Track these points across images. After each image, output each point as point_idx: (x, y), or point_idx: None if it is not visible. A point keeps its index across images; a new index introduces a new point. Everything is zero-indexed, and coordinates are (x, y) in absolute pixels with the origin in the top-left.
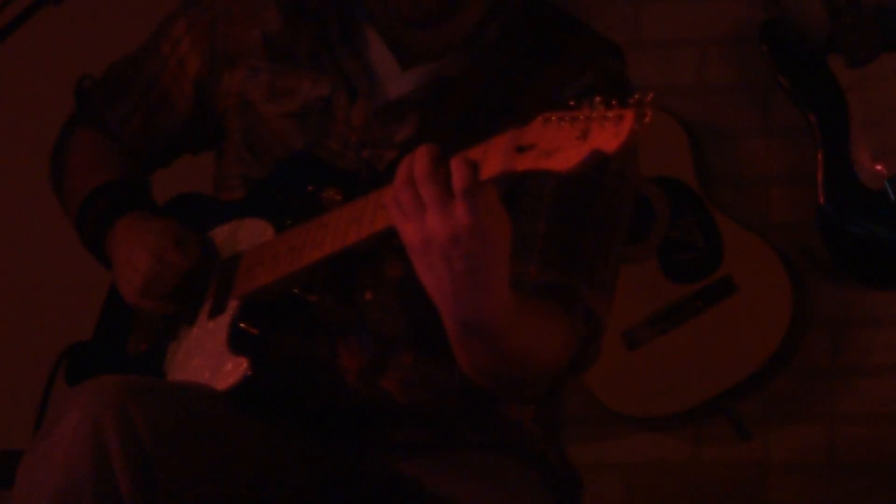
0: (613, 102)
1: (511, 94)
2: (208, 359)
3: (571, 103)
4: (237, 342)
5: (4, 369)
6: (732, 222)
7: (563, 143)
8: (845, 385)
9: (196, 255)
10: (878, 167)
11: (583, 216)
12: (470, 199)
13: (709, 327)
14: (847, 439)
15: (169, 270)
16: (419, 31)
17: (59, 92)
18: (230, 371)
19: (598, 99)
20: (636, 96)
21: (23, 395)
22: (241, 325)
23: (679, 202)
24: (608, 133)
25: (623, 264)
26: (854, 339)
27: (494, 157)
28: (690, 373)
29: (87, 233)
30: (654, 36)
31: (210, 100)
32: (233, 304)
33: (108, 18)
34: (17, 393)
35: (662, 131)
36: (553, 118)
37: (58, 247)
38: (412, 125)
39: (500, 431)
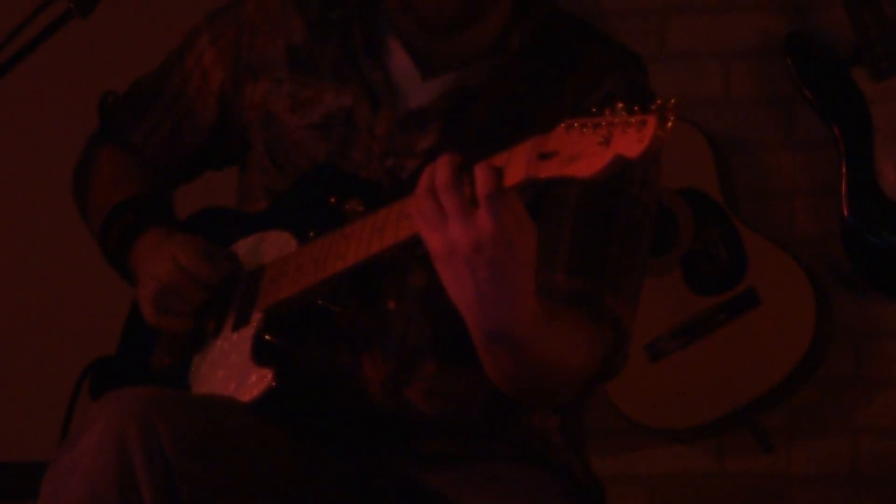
0: (636, 108)
1: (533, 104)
2: (233, 371)
3: (594, 110)
4: (261, 354)
5: (31, 381)
6: (756, 234)
7: (585, 150)
8: (868, 397)
9: (225, 269)
10: None
11: (607, 224)
12: (493, 205)
13: (732, 340)
14: (870, 451)
15: (197, 285)
16: (442, 39)
17: (83, 106)
18: (255, 382)
19: (620, 105)
20: (658, 102)
21: (48, 408)
22: (266, 336)
23: (703, 214)
24: (631, 139)
25: (646, 276)
26: (877, 351)
27: (517, 164)
28: (713, 385)
29: (110, 248)
30: (679, 48)
31: (234, 113)
32: (257, 316)
33: (135, 33)
34: (42, 405)
35: (687, 143)
36: (575, 125)
37: (82, 261)
38: (434, 134)
39: (525, 442)
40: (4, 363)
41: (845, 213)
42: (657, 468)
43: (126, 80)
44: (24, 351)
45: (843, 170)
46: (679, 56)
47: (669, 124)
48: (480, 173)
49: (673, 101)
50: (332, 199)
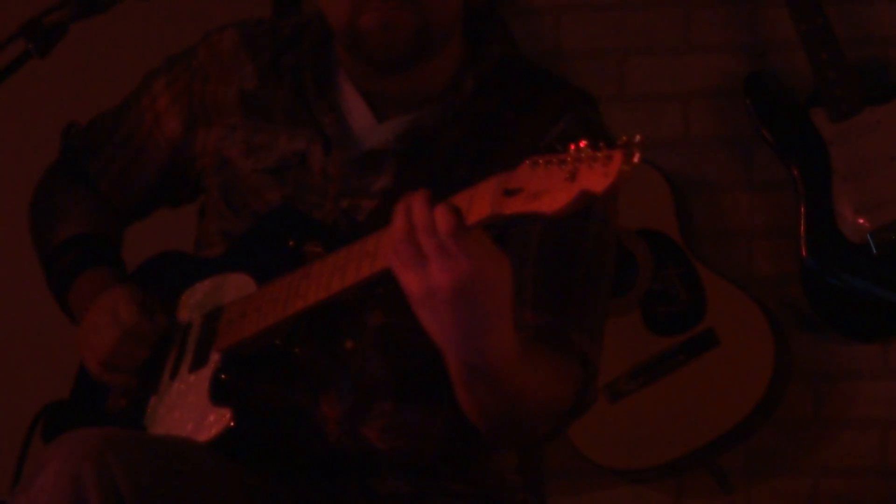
0: (601, 144)
1: (489, 144)
2: (190, 411)
3: (558, 147)
4: (219, 394)
5: None
6: (715, 275)
7: (551, 185)
8: (827, 438)
9: (163, 325)
10: (861, 220)
11: (570, 263)
12: (459, 243)
13: (691, 380)
14: (829, 492)
15: (138, 344)
16: (393, 79)
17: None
18: (213, 422)
19: (583, 143)
20: (624, 138)
21: (2, 447)
22: (223, 376)
23: (662, 255)
24: (597, 174)
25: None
26: (836, 391)
27: (481, 201)
28: (673, 425)
29: (52, 284)
30: (638, 90)
31: (186, 157)
32: (215, 357)
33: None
34: None
35: (646, 183)
36: (540, 161)
37: (37, 302)
38: (390, 175)
39: (482, 481)
40: None
41: (804, 253)
42: None
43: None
44: None
45: (802, 210)
46: (638, 97)
47: (635, 159)
48: (440, 213)
49: (638, 137)
50: (291, 243)
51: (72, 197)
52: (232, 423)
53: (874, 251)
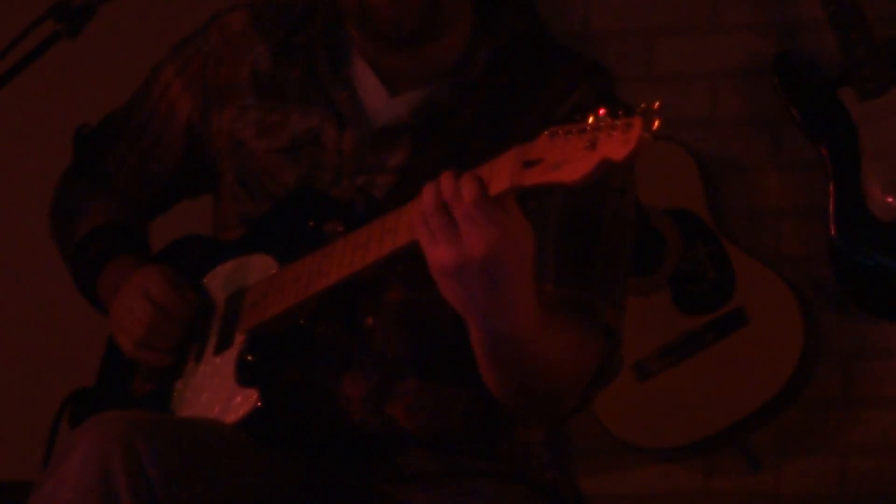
0: (620, 112)
1: (504, 118)
2: (217, 393)
3: (577, 117)
4: (245, 375)
5: (17, 400)
6: (744, 254)
7: (571, 155)
8: (856, 416)
9: (194, 300)
10: (889, 199)
11: (590, 234)
12: (486, 212)
13: (720, 359)
14: (858, 471)
15: (171, 323)
16: (405, 55)
17: (62, 132)
18: (240, 403)
19: (602, 111)
20: (643, 105)
21: (32, 424)
22: (249, 357)
23: (691, 234)
24: (617, 141)
25: (635, 296)
26: (865, 370)
27: (501, 173)
28: (701, 404)
29: (79, 276)
30: (666, 70)
31: (202, 143)
32: (239, 338)
33: (124, 52)
34: (28, 423)
35: (675, 163)
36: (560, 132)
37: (69, 286)
38: (405, 150)
39: (509, 458)
40: None
41: (833, 233)
42: (644, 487)
43: (115, 99)
44: (10, 368)
45: (831, 190)
46: (666, 77)
47: (655, 126)
48: (466, 182)
49: (657, 103)
50: (311, 222)
51: (90, 194)
52: (259, 404)
53: None
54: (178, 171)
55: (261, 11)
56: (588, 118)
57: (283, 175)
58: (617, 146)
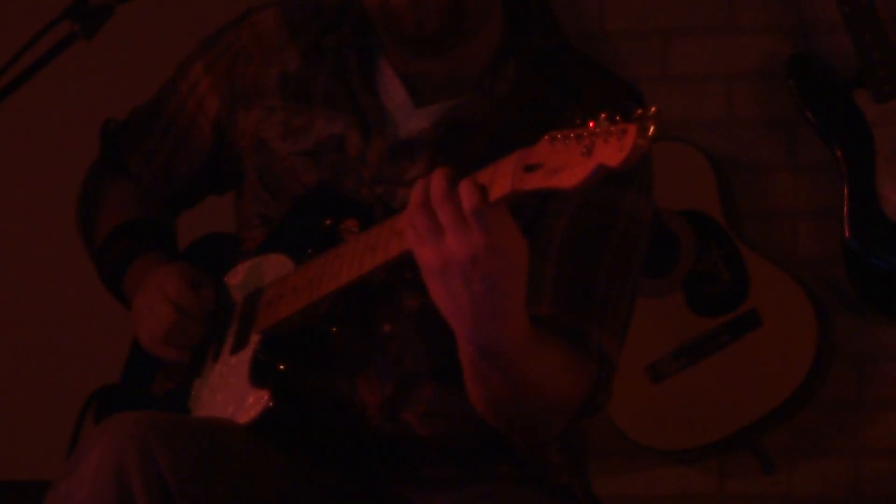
0: (617, 118)
1: (528, 136)
2: (231, 393)
3: (577, 121)
4: (259, 375)
5: (38, 397)
6: (758, 256)
7: (569, 161)
8: (870, 419)
9: (211, 301)
10: None
11: (594, 258)
12: (481, 219)
13: (734, 361)
14: (872, 473)
15: (190, 321)
16: (430, 61)
17: (93, 121)
18: (252, 404)
19: (603, 115)
20: (639, 111)
21: (55, 425)
22: (262, 357)
23: (705, 236)
24: (612, 147)
25: (649, 297)
26: (879, 372)
27: (503, 177)
28: (715, 406)
29: (105, 272)
30: (682, 71)
31: (228, 140)
32: (254, 339)
33: (142, 51)
34: (49, 422)
35: (689, 165)
36: (559, 136)
37: (94, 284)
38: (423, 163)
39: (524, 463)
40: (14, 380)
41: (847, 235)
42: (658, 489)
43: (130, 102)
44: (34, 367)
45: (845, 192)
46: (682, 78)
47: (650, 132)
48: (465, 189)
49: (653, 109)
50: (328, 222)
51: (116, 190)
52: (271, 404)
53: None
54: (204, 167)
55: (293, 11)
56: (588, 123)
57: (305, 177)
58: (612, 152)
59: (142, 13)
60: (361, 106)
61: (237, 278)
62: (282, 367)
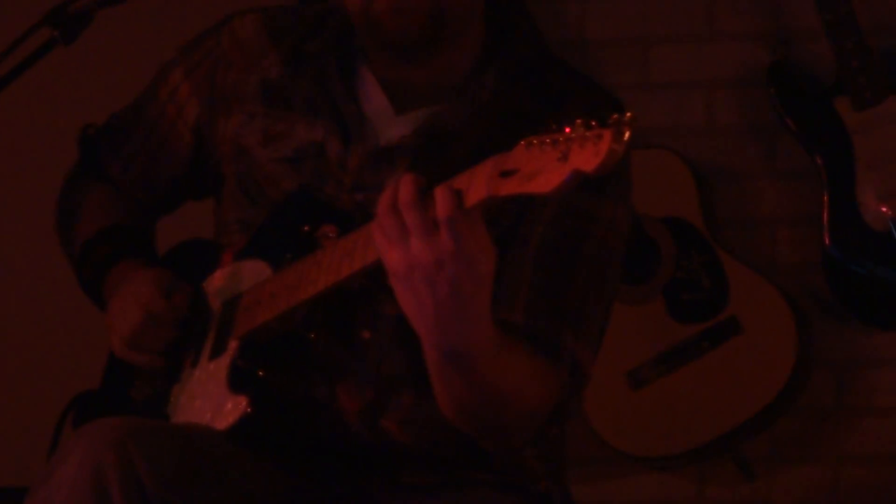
0: (593, 123)
1: (508, 145)
2: (209, 400)
3: (553, 126)
4: (237, 381)
5: (17, 404)
6: (738, 263)
7: (544, 166)
8: (850, 426)
9: (184, 307)
10: (884, 209)
11: (570, 266)
12: (453, 226)
13: (713, 367)
14: (851, 480)
15: (158, 326)
16: (412, 67)
17: (65, 136)
18: (230, 410)
19: (578, 121)
20: (615, 116)
21: (34, 431)
22: (240, 363)
23: (685, 242)
24: (587, 153)
25: (628, 304)
26: (859, 379)
27: (479, 183)
28: (695, 413)
29: (85, 278)
30: (662, 78)
31: (208, 146)
32: (233, 345)
33: (123, 56)
34: (28, 428)
35: (669, 172)
36: (535, 142)
37: (73, 290)
38: (403, 170)
39: (503, 469)
40: None
41: (827, 242)
42: (638, 496)
43: (115, 103)
44: (13, 373)
45: (825, 199)
46: (662, 85)
47: (625, 137)
48: (440, 195)
49: (629, 115)
50: (306, 227)
51: (95, 196)
52: (249, 410)
53: None
54: (183, 173)
55: (274, 18)
56: (564, 129)
57: (285, 183)
58: (588, 157)
59: (121, 19)
60: (342, 113)
61: (215, 284)
62: (260, 373)
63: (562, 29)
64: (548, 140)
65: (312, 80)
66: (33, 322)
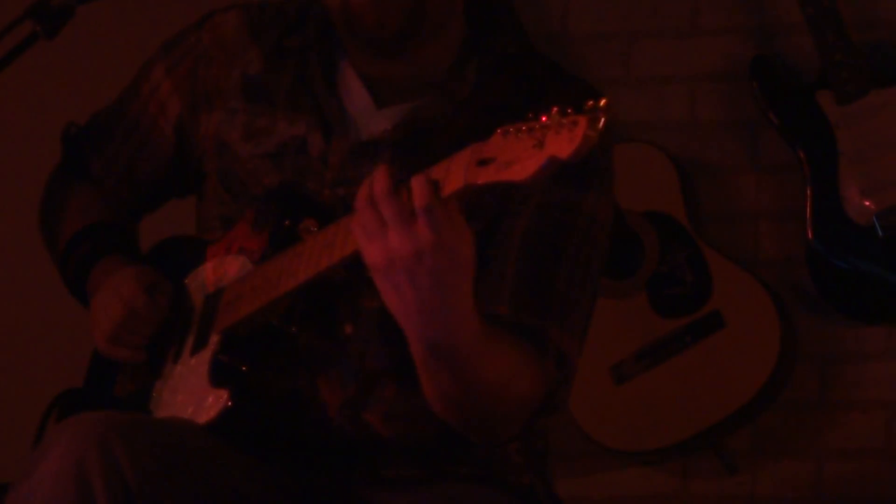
0: (569, 111)
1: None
2: (191, 394)
3: (530, 115)
4: (218, 375)
5: (4, 401)
6: (721, 257)
7: (521, 154)
8: (833, 420)
9: (166, 303)
10: (867, 203)
11: (554, 259)
12: (431, 215)
13: (697, 362)
14: (834, 474)
15: (139, 321)
16: (392, 62)
17: (49, 130)
18: (211, 404)
19: (554, 109)
20: (590, 102)
21: (19, 427)
22: (221, 357)
23: (668, 237)
24: (563, 139)
25: (612, 299)
26: (841, 373)
27: (457, 171)
28: (678, 407)
29: (68, 276)
30: (645, 72)
31: (190, 143)
32: (214, 339)
33: (106, 51)
34: (12, 425)
35: (652, 166)
36: (511, 130)
37: (57, 287)
38: (384, 164)
39: (486, 463)
40: None
41: (810, 236)
42: (621, 490)
43: (97, 101)
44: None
45: (808, 193)
46: (645, 80)
47: (600, 124)
48: (416, 185)
49: (604, 101)
50: (287, 222)
51: (78, 194)
52: (230, 403)
53: (880, 233)
54: (166, 170)
55: (255, 14)
56: (540, 117)
57: (267, 179)
58: (563, 144)
59: (103, 15)
60: (323, 108)
61: (198, 280)
62: (242, 367)
63: (545, 23)
64: (524, 128)
65: (293, 76)
66: (17, 319)
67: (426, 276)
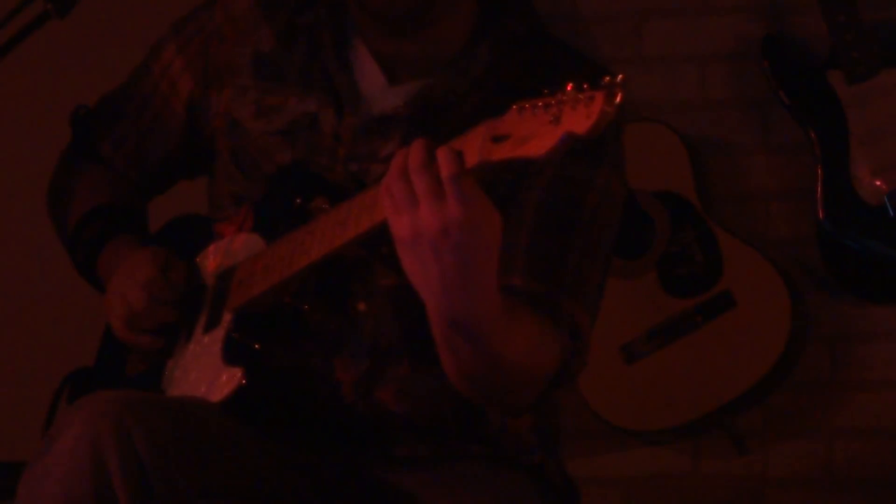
0: (585, 86)
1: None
2: (204, 372)
3: (545, 91)
4: (231, 353)
5: (12, 380)
6: (732, 237)
7: (537, 130)
8: (843, 400)
9: (181, 283)
10: (878, 182)
11: (567, 232)
12: (458, 188)
13: (707, 342)
14: (845, 454)
15: (161, 306)
16: (403, 40)
17: (62, 110)
18: (225, 382)
19: (570, 85)
20: (607, 78)
21: (30, 406)
22: (235, 335)
23: (679, 217)
24: (580, 115)
25: (622, 279)
26: (852, 353)
27: (471, 148)
28: (689, 387)
29: (78, 257)
30: (656, 52)
31: (201, 121)
32: (227, 317)
33: (115, 35)
34: (23, 404)
35: (663, 146)
36: (527, 106)
37: (67, 269)
38: (397, 140)
39: (498, 442)
40: None
41: (821, 216)
42: (632, 470)
43: (103, 85)
44: (7, 350)
45: (819, 173)
46: (655, 59)
47: (618, 99)
48: (442, 155)
49: (621, 77)
50: (299, 200)
51: (87, 176)
52: (244, 382)
53: (891, 213)
54: (176, 150)
55: None
56: (555, 93)
57: (279, 157)
58: (580, 120)
59: None
60: (335, 84)
61: (210, 259)
62: (255, 345)
63: (555, 3)
64: (540, 104)
65: (305, 53)
66: (28, 300)
67: (451, 252)
